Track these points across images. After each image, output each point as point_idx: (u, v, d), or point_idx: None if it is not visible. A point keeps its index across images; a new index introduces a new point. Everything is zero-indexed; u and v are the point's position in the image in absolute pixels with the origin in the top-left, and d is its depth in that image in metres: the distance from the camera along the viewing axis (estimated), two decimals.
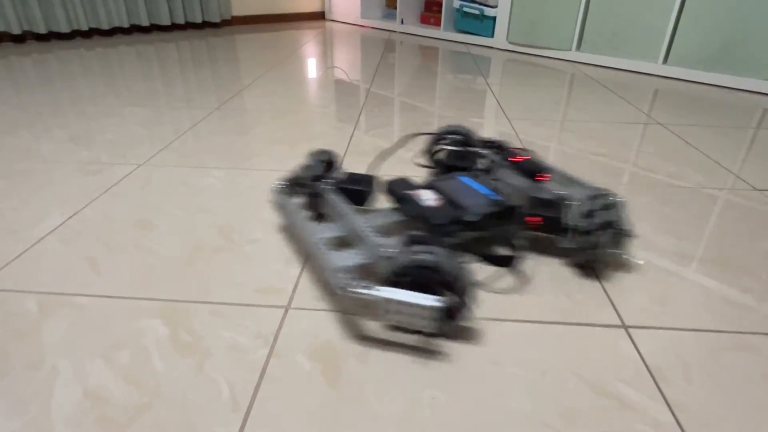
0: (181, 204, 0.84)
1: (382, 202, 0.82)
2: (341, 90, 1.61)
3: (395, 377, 0.50)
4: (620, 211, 0.64)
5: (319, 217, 0.72)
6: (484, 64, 2.03)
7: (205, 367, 0.51)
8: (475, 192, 0.67)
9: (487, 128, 1.25)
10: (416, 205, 0.65)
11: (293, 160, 1.03)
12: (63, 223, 0.78)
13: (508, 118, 1.33)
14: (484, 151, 0.80)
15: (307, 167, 0.74)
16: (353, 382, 0.49)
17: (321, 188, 0.71)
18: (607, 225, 0.63)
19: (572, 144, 1.15)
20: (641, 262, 0.68)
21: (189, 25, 2.85)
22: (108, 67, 1.85)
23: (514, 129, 1.25)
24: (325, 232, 0.63)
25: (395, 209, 0.69)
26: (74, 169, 0.97)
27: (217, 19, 2.86)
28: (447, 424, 0.45)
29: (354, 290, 0.51)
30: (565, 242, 0.65)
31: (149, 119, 1.28)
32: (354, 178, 0.74)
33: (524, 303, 0.61)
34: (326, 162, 0.77)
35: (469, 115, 1.36)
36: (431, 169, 0.88)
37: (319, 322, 0.57)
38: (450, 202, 0.65)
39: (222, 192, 0.89)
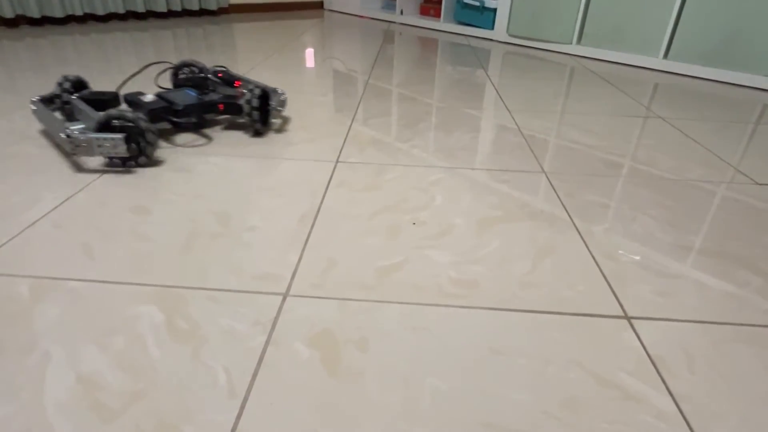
0: (177, 190, 0.83)
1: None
2: (340, 80, 1.59)
3: (395, 366, 0.49)
4: (275, 100, 1.10)
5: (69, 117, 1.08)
6: (484, 56, 2.01)
7: (201, 354, 0.50)
8: (188, 96, 1.06)
9: (486, 119, 1.24)
10: (139, 101, 1.01)
11: (291, 148, 1.01)
12: (56, 207, 0.76)
13: (508, 110, 1.32)
14: (206, 75, 1.24)
15: (60, 86, 1.08)
16: (352, 371, 0.48)
17: (71, 99, 1.04)
18: (262, 108, 1.06)
19: (572, 136, 1.14)
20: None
21: (186, 12, 2.81)
22: (102, 53, 1.82)
23: (514, 120, 1.24)
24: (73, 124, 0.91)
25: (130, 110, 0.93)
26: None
27: (214, 7, 2.83)
28: (448, 414, 0.44)
29: (74, 134, 0.84)
30: (240, 118, 1.17)
31: None
32: (98, 93, 1.07)
33: (527, 293, 0.60)
34: (75, 82, 1.10)
35: (468, 106, 1.35)
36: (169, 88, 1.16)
37: (318, 310, 0.56)
38: (166, 101, 1.03)
39: (219, 178, 0.87)
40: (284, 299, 0.58)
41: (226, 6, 2.93)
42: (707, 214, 0.81)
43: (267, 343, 0.51)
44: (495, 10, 2.32)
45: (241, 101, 1.03)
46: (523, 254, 0.68)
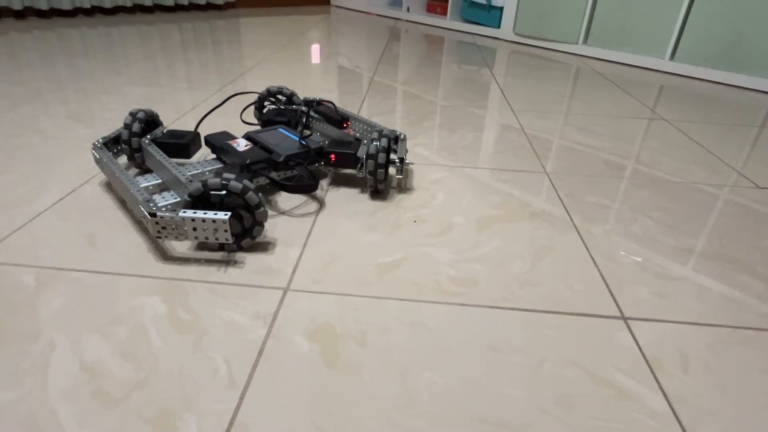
0: None
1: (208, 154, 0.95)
2: (345, 76, 1.59)
3: (393, 360, 0.50)
4: (400, 146, 0.83)
5: (141, 169, 0.86)
6: (490, 55, 2.01)
7: (202, 344, 0.50)
8: (287, 139, 0.82)
9: (490, 118, 1.24)
10: (231, 151, 0.76)
11: None
12: (61, 199, 0.77)
13: (512, 110, 1.32)
14: (301, 108, 0.98)
15: (126, 126, 0.81)
16: (351, 364, 0.49)
17: (142, 143, 0.80)
18: (388, 159, 0.78)
19: (575, 137, 1.14)
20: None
21: (192, 7, 2.82)
22: (109, 46, 1.83)
23: (518, 120, 1.24)
24: (144, 182, 0.73)
25: (216, 158, 0.79)
26: (74, 146, 0.96)
27: (220, 2, 2.83)
28: (444, 408, 0.45)
29: (161, 213, 0.59)
30: (359, 173, 0.83)
31: (150, 99, 1.27)
32: (174, 133, 0.84)
33: (525, 292, 0.61)
34: (145, 121, 0.84)
35: (472, 104, 1.35)
36: (257, 125, 1.04)
37: (318, 304, 0.57)
38: (263, 147, 0.79)
39: None
40: (285, 293, 0.58)
41: (233, 1, 2.94)
42: (708, 217, 0.81)
43: (267, 335, 0.52)
44: (502, 8, 2.32)
45: (360, 153, 0.79)
46: (522, 253, 0.68)
